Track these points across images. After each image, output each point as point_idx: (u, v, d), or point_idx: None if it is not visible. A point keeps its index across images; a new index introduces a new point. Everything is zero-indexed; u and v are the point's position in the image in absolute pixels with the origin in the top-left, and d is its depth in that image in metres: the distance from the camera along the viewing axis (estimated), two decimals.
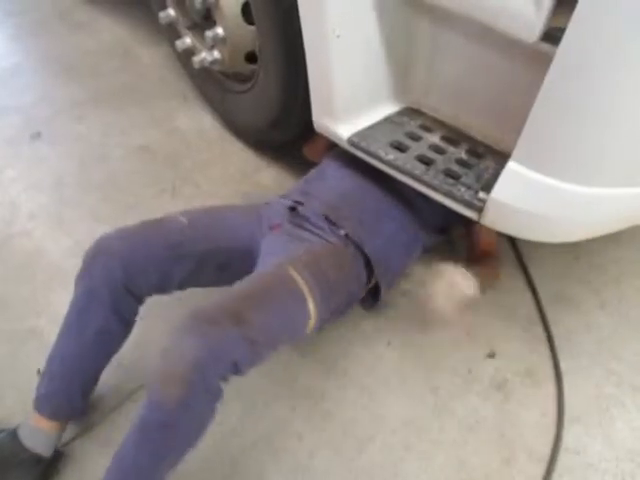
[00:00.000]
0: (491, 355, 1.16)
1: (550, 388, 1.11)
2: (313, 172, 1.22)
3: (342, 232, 1.02)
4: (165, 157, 1.62)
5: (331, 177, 1.16)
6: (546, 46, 0.75)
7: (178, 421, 0.72)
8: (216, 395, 0.74)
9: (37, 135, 1.70)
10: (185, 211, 1.03)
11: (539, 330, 1.20)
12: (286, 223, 1.04)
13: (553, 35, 0.73)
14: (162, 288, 0.98)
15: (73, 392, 0.95)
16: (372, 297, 1.14)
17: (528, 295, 1.27)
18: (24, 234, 1.43)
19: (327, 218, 1.03)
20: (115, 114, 1.77)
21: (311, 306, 0.87)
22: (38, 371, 1.14)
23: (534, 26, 0.73)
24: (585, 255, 1.35)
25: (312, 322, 0.89)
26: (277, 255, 0.95)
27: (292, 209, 1.06)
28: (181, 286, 1.00)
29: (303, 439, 1.04)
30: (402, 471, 0.99)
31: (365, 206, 1.09)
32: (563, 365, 1.14)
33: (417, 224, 1.15)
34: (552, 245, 1.12)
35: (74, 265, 1.35)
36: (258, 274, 0.93)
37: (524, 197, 0.84)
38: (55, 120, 1.75)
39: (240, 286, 0.86)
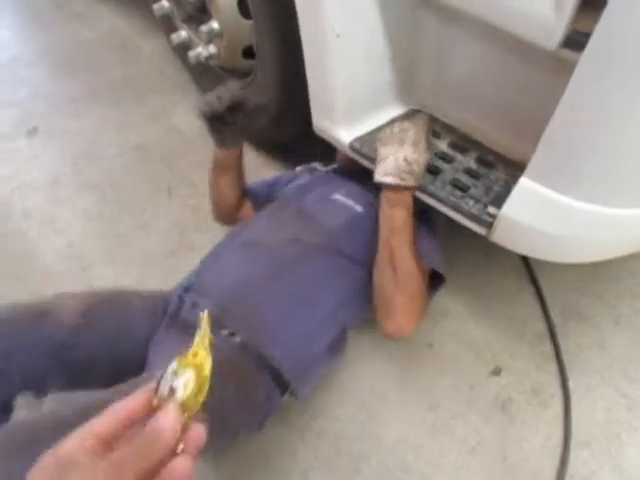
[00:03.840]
0: (496, 372, 1.11)
1: (557, 409, 1.05)
2: (214, 247, 1.01)
3: (236, 339, 0.80)
4: (161, 156, 1.57)
5: (229, 257, 0.93)
6: (567, 52, 0.67)
7: None
8: None
9: (34, 131, 1.66)
10: (86, 296, 0.84)
11: (548, 346, 1.15)
12: (171, 326, 0.83)
13: (576, 40, 0.65)
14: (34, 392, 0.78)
15: None
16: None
17: (537, 308, 1.21)
18: (18, 233, 1.40)
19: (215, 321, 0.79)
20: (112, 110, 1.72)
21: None
22: None
23: (554, 32, 0.65)
24: (599, 267, 1.28)
25: None
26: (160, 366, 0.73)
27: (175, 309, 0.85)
28: (61, 389, 0.80)
29: (297, 456, 1.00)
30: None
31: (270, 297, 0.84)
32: (572, 385, 1.08)
33: (356, 301, 0.95)
34: None
35: (67, 267, 1.34)
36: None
37: (538, 216, 0.77)
38: (51, 116, 1.70)
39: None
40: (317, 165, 1.24)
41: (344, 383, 1.09)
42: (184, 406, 0.37)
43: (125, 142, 1.60)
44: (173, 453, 0.34)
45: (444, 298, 1.23)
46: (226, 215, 1.17)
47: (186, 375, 0.38)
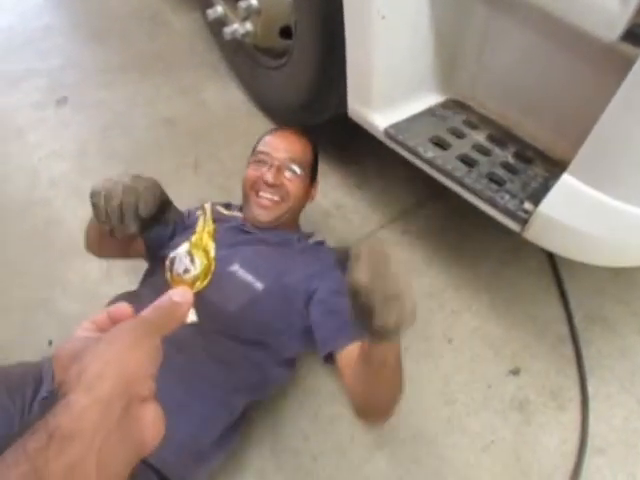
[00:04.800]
0: (515, 372, 1.10)
1: (574, 414, 1.04)
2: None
3: None
4: (190, 130, 1.56)
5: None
6: (626, 46, 0.64)
7: None
8: None
9: (64, 100, 1.66)
10: None
11: (569, 350, 1.13)
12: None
13: (637, 34, 0.63)
14: None
15: None
16: None
17: (561, 311, 1.19)
18: (44, 202, 1.41)
19: None
20: (142, 83, 1.71)
21: None
22: (49, 342, 1.13)
23: (616, 23, 0.63)
24: (627, 273, 1.25)
25: None
26: None
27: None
28: None
29: (309, 440, 1.00)
30: None
31: (173, 378, 0.76)
32: (591, 390, 1.06)
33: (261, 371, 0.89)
34: None
35: None
36: None
37: (578, 215, 0.75)
38: (81, 86, 1.70)
39: None
40: (219, 208, 1.06)
41: None
42: (197, 279, 0.46)
43: (154, 115, 1.60)
44: (183, 324, 0.39)
45: (467, 294, 1.21)
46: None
47: (198, 256, 0.47)
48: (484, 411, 1.04)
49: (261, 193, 0.97)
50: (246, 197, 1.00)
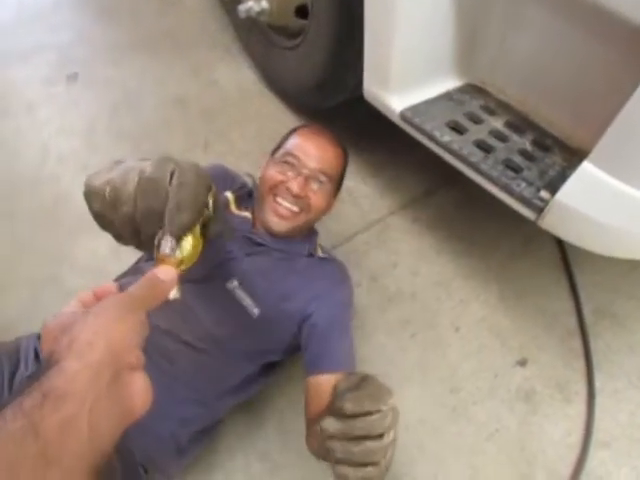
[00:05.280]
0: (522, 363, 1.09)
1: (580, 407, 1.03)
2: None
3: None
4: (200, 110, 1.54)
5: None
6: None
7: None
8: None
9: (74, 76, 1.64)
10: None
11: (577, 343, 1.12)
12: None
13: None
14: None
15: None
16: None
17: (571, 304, 1.18)
18: (53, 178, 1.40)
19: None
20: (152, 61, 1.68)
21: None
22: None
23: None
24: (639, 268, 1.24)
25: None
26: None
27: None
28: None
29: None
30: (412, 471, 0.96)
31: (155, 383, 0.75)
32: (598, 384, 1.06)
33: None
34: None
35: None
36: None
37: (597, 204, 0.74)
38: (92, 62, 1.68)
39: None
40: (230, 200, 0.96)
41: (367, 355, 1.08)
42: (181, 262, 0.45)
43: (164, 94, 1.58)
44: (166, 300, 0.41)
45: (476, 284, 1.20)
46: None
47: (186, 239, 0.46)
48: (490, 400, 1.04)
49: (279, 199, 0.87)
50: (262, 198, 0.90)
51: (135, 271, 0.94)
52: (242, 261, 0.86)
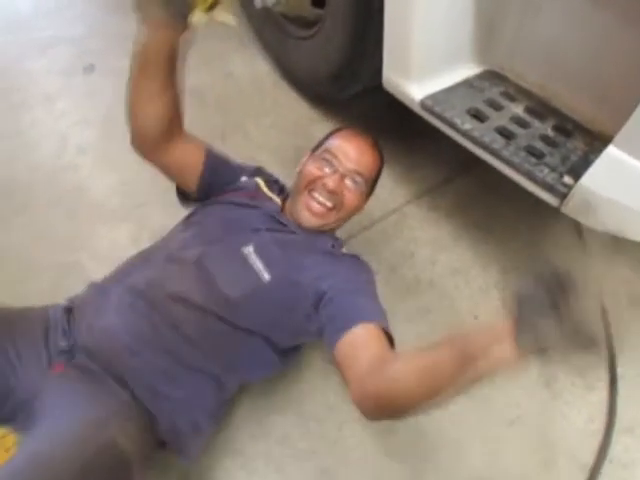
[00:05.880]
0: (542, 349, 1.09)
1: (602, 394, 1.03)
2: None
3: (125, 395, 0.75)
4: (216, 102, 1.55)
5: (115, 305, 0.82)
6: None
7: None
8: None
9: (91, 68, 1.66)
10: None
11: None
12: (67, 367, 0.76)
13: None
14: None
15: None
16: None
17: None
18: (71, 168, 1.42)
19: (108, 371, 0.75)
20: None
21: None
22: None
23: None
24: None
25: None
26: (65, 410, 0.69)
27: (65, 351, 0.77)
28: None
29: (333, 410, 1.01)
30: (433, 456, 0.96)
31: (156, 355, 0.78)
32: (620, 370, 1.05)
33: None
34: None
35: (117, 203, 1.36)
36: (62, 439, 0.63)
37: (622, 189, 0.73)
38: (107, 53, 1.69)
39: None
40: (260, 183, 1.01)
41: None
42: None
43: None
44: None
45: (494, 272, 1.20)
46: (145, 143, 0.94)
47: None
48: (510, 387, 1.04)
49: (315, 194, 0.91)
50: (298, 191, 0.93)
51: (144, 258, 0.95)
52: (262, 232, 0.90)
